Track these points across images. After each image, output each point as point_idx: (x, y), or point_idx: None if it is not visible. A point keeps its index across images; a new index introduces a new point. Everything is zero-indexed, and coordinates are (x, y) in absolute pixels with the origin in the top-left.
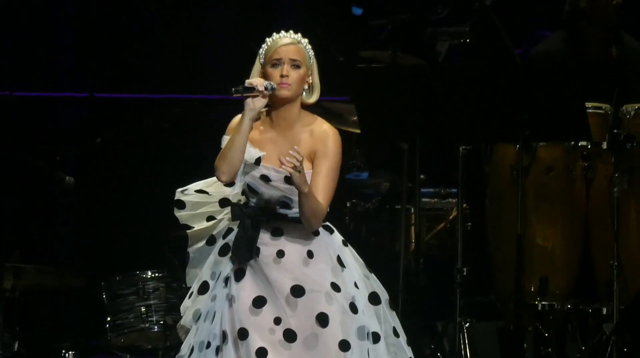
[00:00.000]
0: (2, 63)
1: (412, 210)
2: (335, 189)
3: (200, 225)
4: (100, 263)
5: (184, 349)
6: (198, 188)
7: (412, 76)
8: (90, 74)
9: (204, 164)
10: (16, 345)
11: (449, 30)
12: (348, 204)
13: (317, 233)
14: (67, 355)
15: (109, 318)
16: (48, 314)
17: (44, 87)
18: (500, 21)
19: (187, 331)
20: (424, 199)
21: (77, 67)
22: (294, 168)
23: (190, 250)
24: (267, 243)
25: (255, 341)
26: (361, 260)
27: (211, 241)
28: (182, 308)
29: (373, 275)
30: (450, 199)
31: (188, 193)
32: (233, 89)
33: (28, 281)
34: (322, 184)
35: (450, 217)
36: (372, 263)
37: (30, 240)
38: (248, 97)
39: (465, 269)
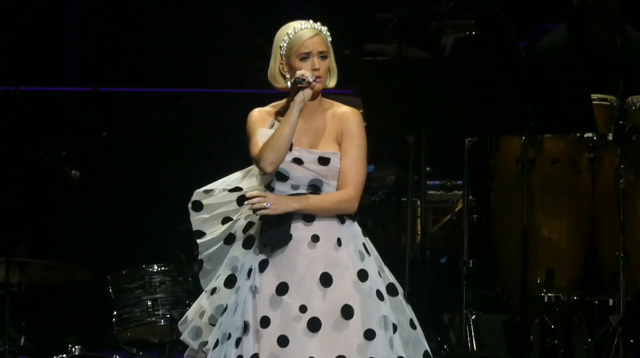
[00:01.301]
0: (7, 58)
1: (418, 203)
2: (366, 166)
3: (213, 230)
4: (106, 257)
5: (210, 342)
6: (232, 187)
7: (418, 69)
8: (95, 69)
9: (209, 158)
10: (22, 339)
11: (454, 23)
12: None
13: (343, 221)
14: (73, 349)
15: (115, 312)
16: (54, 309)
17: (49, 81)
18: (505, 14)
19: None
20: (429, 192)
21: (82, 61)
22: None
23: (202, 256)
24: (300, 229)
25: (278, 329)
26: (376, 252)
27: (230, 239)
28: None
29: (386, 267)
30: (456, 192)
31: (215, 193)
32: (294, 80)
33: (34, 276)
34: (352, 168)
35: (456, 209)
36: (379, 255)
37: (36, 234)
38: (301, 88)
39: (471, 261)
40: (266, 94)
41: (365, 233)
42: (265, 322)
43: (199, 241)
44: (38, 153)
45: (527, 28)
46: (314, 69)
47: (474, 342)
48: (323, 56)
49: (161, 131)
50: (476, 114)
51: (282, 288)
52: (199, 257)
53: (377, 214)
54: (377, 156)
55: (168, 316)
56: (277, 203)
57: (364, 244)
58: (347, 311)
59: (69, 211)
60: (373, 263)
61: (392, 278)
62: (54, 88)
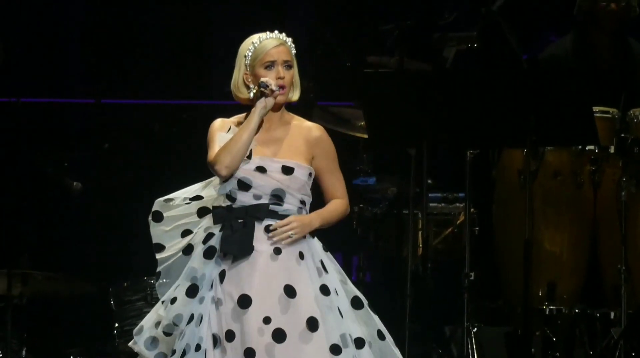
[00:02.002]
0: (9, 70)
1: (420, 215)
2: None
3: (172, 244)
4: (108, 269)
5: (177, 353)
6: (192, 195)
7: (419, 82)
8: (97, 80)
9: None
10: (24, 351)
11: (456, 35)
12: (355, 209)
13: (303, 236)
14: None
15: (116, 324)
16: (56, 320)
17: (51, 93)
18: (508, 26)
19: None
20: (431, 204)
21: (84, 73)
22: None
23: (161, 268)
24: (261, 240)
25: (243, 342)
26: (338, 265)
27: (188, 250)
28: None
29: (349, 281)
30: (457, 204)
31: (176, 202)
32: (261, 82)
33: (36, 287)
34: (336, 181)
35: (458, 222)
36: (380, 267)
37: (38, 246)
38: (263, 93)
39: (472, 274)
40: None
41: (326, 248)
42: (230, 335)
43: (158, 256)
44: (40, 165)
45: (529, 40)
46: (279, 78)
47: (475, 355)
48: (288, 65)
49: (163, 143)
50: (478, 126)
51: (244, 301)
52: (158, 269)
53: (378, 226)
54: (378, 168)
55: None
56: (302, 228)
57: (321, 261)
58: (312, 324)
59: (71, 223)
60: (332, 279)
61: (356, 291)
62: (56, 100)
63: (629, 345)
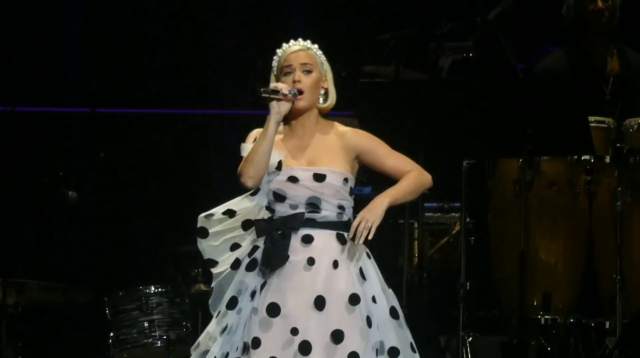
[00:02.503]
0: (4, 78)
1: (416, 225)
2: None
3: (223, 258)
4: (104, 278)
5: None
6: (225, 209)
7: (415, 91)
8: (93, 90)
9: (206, 180)
10: None
11: (452, 45)
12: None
13: (344, 242)
14: None
15: (112, 334)
16: (51, 329)
17: (46, 102)
18: (503, 36)
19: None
20: (427, 214)
21: (80, 82)
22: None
23: (215, 283)
24: (297, 250)
25: (268, 351)
26: (380, 274)
27: (236, 264)
28: (203, 336)
29: (391, 290)
30: (453, 214)
31: (215, 217)
32: (262, 89)
33: (31, 296)
34: (397, 159)
35: (454, 231)
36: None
37: (33, 255)
38: (273, 99)
39: (468, 283)
40: (263, 116)
41: (370, 255)
42: (256, 342)
43: (213, 270)
44: (35, 174)
45: (525, 50)
46: (294, 82)
47: None
48: (307, 69)
49: (159, 152)
50: (474, 136)
51: (273, 309)
52: (212, 285)
53: (374, 236)
54: (374, 177)
55: (165, 337)
56: (373, 215)
57: (360, 268)
58: (337, 336)
59: (67, 232)
60: (370, 288)
61: (394, 302)
62: (51, 109)
63: (624, 355)
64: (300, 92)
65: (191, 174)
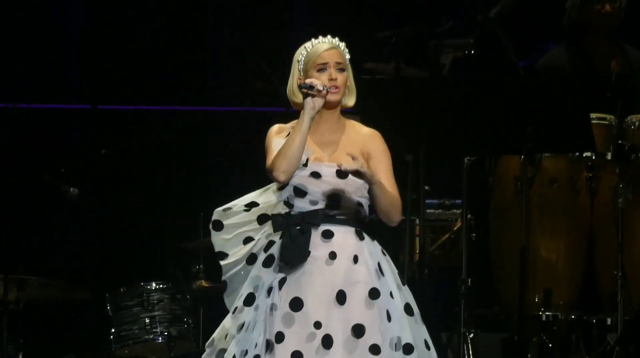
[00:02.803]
0: (5, 75)
1: (417, 221)
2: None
3: (235, 251)
4: (105, 274)
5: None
6: (248, 201)
7: (416, 88)
8: (94, 86)
9: (208, 176)
10: (20, 356)
11: (453, 42)
12: None
13: (362, 238)
14: None
15: (113, 330)
16: (52, 326)
17: (47, 99)
18: (504, 33)
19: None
20: (428, 211)
21: (81, 78)
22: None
23: (225, 277)
24: (318, 245)
25: (292, 344)
26: (396, 270)
27: (251, 259)
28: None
29: (406, 287)
30: (454, 211)
31: (235, 209)
32: (300, 84)
33: (32, 293)
34: (388, 181)
35: (455, 228)
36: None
37: (34, 251)
38: (308, 94)
39: (469, 280)
40: (266, 112)
41: (385, 252)
42: (279, 337)
43: (222, 263)
44: (36, 170)
45: (526, 48)
46: (331, 79)
47: None
48: (340, 68)
49: (160, 149)
50: (475, 133)
51: (296, 304)
52: (223, 278)
53: (375, 232)
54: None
55: (166, 333)
56: (368, 174)
57: (378, 264)
58: (358, 330)
59: (68, 229)
60: (387, 284)
61: (409, 298)
62: (52, 105)
63: (625, 352)
64: (336, 87)
65: (193, 170)
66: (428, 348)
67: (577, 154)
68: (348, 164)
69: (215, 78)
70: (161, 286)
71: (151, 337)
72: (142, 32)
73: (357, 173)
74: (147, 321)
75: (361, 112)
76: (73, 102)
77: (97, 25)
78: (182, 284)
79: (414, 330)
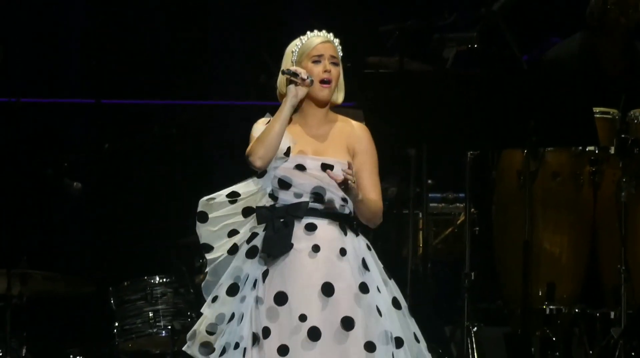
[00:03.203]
0: (9, 70)
1: (420, 215)
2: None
3: (220, 244)
4: (108, 268)
5: (216, 350)
6: (229, 192)
7: (419, 82)
8: (97, 80)
9: (211, 170)
10: (24, 350)
11: (456, 36)
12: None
13: (345, 233)
14: None
15: (116, 324)
16: (56, 320)
17: (51, 93)
18: (507, 27)
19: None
20: (431, 204)
21: (84, 73)
22: (345, 181)
23: (209, 269)
24: (300, 238)
25: (277, 339)
26: (381, 265)
27: (233, 249)
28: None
29: (392, 281)
30: (457, 204)
31: (217, 200)
32: (284, 70)
33: (35, 287)
34: (371, 181)
35: (458, 222)
36: (383, 269)
37: (37, 246)
38: (292, 82)
39: (472, 274)
40: (268, 107)
41: (371, 247)
42: (265, 332)
43: (207, 255)
44: (40, 165)
45: (529, 42)
46: (325, 71)
47: (475, 355)
48: (334, 62)
49: (163, 143)
50: (478, 127)
51: (281, 298)
52: (206, 270)
53: (378, 226)
54: (378, 168)
55: (169, 327)
56: (355, 188)
57: (363, 259)
58: (347, 323)
59: (71, 223)
60: (374, 277)
61: (395, 292)
62: (55, 100)
63: (629, 345)
64: (328, 81)
65: (196, 164)
66: (417, 341)
67: (580, 148)
68: (337, 175)
69: (218, 73)
70: (164, 280)
71: (154, 330)
72: (145, 27)
73: (345, 185)
74: (150, 315)
75: (364, 107)
76: (76, 96)
77: (99, 20)
78: (185, 278)
79: (403, 324)
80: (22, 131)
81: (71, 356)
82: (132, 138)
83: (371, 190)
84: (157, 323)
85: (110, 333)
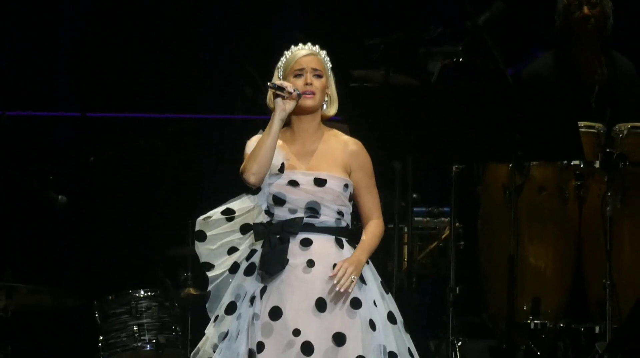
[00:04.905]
0: None
1: (405, 229)
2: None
3: (220, 261)
4: (93, 282)
5: None
6: (224, 209)
7: (405, 96)
8: (83, 94)
9: (197, 184)
10: None
11: (442, 50)
12: None
13: (342, 246)
14: None
15: (101, 337)
16: (40, 333)
17: (36, 106)
18: (493, 41)
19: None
20: (416, 219)
21: (70, 86)
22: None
23: (211, 287)
24: (296, 253)
25: (272, 353)
26: (380, 278)
27: (234, 268)
28: (203, 341)
29: (389, 295)
30: (442, 219)
31: (214, 218)
32: (269, 84)
33: (20, 300)
34: (371, 199)
35: (443, 236)
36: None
37: (22, 259)
38: (278, 95)
39: (457, 288)
40: (255, 120)
41: (369, 260)
42: (260, 346)
43: (208, 273)
44: (25, 178)
45: (515, 55)
46: (306, 84)
47: None
48: (317, 74)
49: (149, 157)
50: (463, 141)
51: (275, 313)
52: (208, 288)
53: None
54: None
55: (154, 341)
56: (357, 268)
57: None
58: (338, 339)
59: (56, 236)
60: (369, 292)
61: (392, 307)
62: (41, 113)
63: None
64: (312, 93)
65: (181, 178)
66: (412, 356)
67: (566, 162)
68: (340, 284)
69: (205, 86)
70: (149, 294)
71: (139, 344)
72: (132, 39)
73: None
74: (135, 329)
75: (349, 120)
76: (62, 109)
77: (87, 32)
78: (170, 292)
79: (398, 338)
80: (7, 144)
81: None
82: (117, 151)
83: (374, 208)
84: (142, 337)
85: (94, 347)
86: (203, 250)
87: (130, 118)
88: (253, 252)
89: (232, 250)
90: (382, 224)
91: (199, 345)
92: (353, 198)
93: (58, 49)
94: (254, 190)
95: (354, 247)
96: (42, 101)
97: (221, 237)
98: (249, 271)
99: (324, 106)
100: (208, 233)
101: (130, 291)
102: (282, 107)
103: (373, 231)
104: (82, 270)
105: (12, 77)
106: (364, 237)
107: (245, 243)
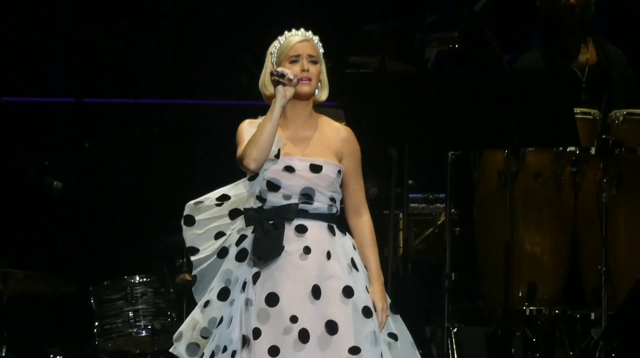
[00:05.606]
0: None
1: (401, 215)
2: None
3: (206, 246)
4: (89, 268)
5: (205, 355)
6: (219, 195)
7: (401, 82)
8: (79, 79)
9: (193, 170)
10: (4, 350)
11: (438, 36)
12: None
13: (334, 234)
14: None
15: (97, 323)
16: (36, 319)
17: (32, 92)
18: (489, 27)
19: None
20: (412, 205)
21: (66, 72)
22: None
23: (196, 272)
24: (291, 240)
25: (268, 340)
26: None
27: (223, 253)
28: (187, 323)
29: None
30: (438, 205)
31: (206, 203)
32: (272, 71)
33: (16, 286)
34: (359, 188)
35: (439, 222)
36: None
37: (18, 245)
38: (280, 83)
39: (453, 274)
40: (251, 106)
41: (356, 247)
42: (256, 333)
43: (192, 258)
44: (20, 164)
45: (511, 42)
46: (303, 70)
47: (455, 355)
48: (313, 60)
49: (144, 143)
50: (459, 127)
51: (272, 299)
52: (193, 273)
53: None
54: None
55: (150, 327)
56: (385, 304)
57: (352, 259)
58: (330, 327)
59: (51, 223)
60: (361, 278)
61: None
62: (37, 99)
63: (609, 346)
64: (308, 79)
65: (177, 164)
66: (395, 339)
67: (561, 148)
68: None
69: (201, 72)
70: (145, 279)
71: (135, 330)
72: (129, 25)
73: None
74: (130, 314)
75: (344, 106)
76: (58, 95)
77: (83, 18)
78: (165, 278)
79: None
80: (2, 130)
81: (51, 355)
82: (113, 137)
83: (361, 199)
84: (138, 323)
85: (90, 333)
86: (189, 235)
87: (126, 104)
88: (243, 237)
89: (220, 235)
90: (369, 215)
91: (182, 327)
92: (341, 185)
93: (53, 34)
94: (251, 177)
95: (344, 233)
96: (37, 86)
97: (209, 222)
98: (240, 257)
99: (316, 91)
100: (197, 218)
101: (125, 277)
102: (283, 94)
103: (368, 235)
104: (77, 256)
105: (8, 63)
106: (370, 256)
107: (232, 228)
